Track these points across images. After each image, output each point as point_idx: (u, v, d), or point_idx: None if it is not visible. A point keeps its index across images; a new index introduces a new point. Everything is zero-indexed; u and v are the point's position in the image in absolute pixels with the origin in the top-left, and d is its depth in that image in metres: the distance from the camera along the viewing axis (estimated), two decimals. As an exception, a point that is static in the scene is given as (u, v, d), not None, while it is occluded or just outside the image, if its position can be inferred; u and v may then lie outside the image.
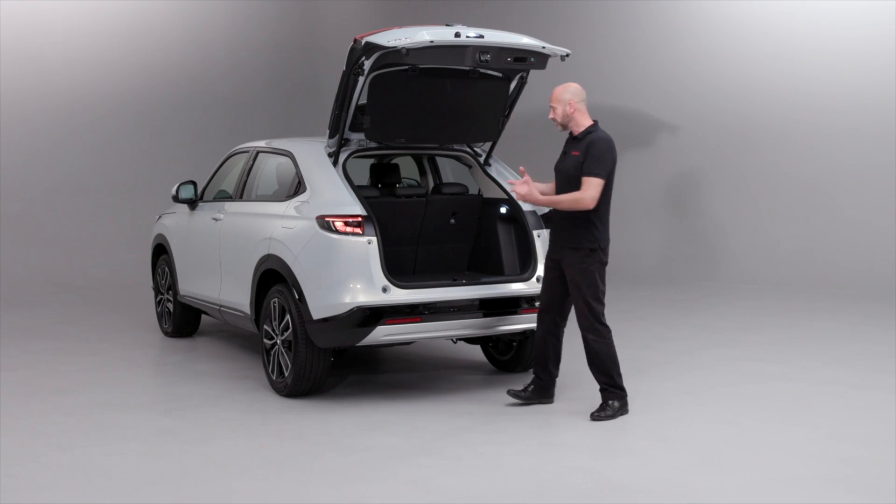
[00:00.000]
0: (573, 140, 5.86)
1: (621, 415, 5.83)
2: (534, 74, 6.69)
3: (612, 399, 5.84)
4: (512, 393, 6.14)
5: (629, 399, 5.95)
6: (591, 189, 5.65)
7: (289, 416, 5.97)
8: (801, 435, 5.47)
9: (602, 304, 5.83)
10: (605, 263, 5.83)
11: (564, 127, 5.88)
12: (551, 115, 5.86)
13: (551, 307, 6.00)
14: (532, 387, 6.13)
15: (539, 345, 6.07)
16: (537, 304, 6.38)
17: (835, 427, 5.62)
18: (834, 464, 4.96)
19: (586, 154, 5.69)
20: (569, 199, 5.69)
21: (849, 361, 7.27)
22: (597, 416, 5.79)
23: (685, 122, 12.40)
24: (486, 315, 6.29)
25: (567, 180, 5.81)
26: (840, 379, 6.74)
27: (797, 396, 6.32)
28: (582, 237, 5.74)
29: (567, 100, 5.81)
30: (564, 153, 5.89)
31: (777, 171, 11.66)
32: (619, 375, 5.88)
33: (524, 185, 5.85)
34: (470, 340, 7.07)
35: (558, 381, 6.19)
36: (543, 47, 6.18)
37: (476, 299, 6.27)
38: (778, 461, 5.00)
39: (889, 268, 10.54)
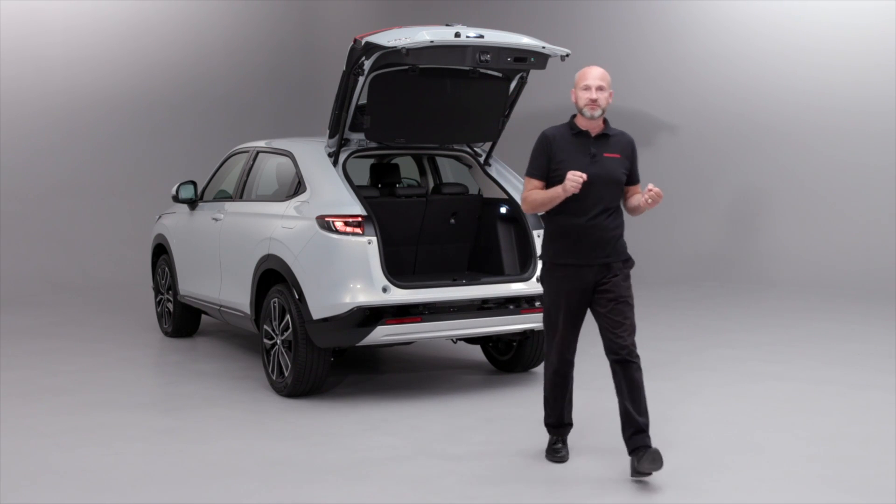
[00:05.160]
0: (598, 139, 4.83)
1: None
2: (534, 74, 6.69)
3: (648, 439, 4.74)
4: (554, 456, 5.06)
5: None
6: None
7: (289, 416, 5.97)
8: (800, 435, 5.47)
9: None
10: None
11: (589, 117, 4.79)
12: (594, 96, 4.75)
13: (573, 343, 4.98)
14: (561, 440, 5.12)
15: (569, 389, 5.06)
16: (537, 304, 6.37)
17: (835, 427, 5.62)
18: (834, 464, 4.96)
19: (632, 155, 4.90)
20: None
21: (849, 361, 7.27)
22: (651, 466, 4.64)
23: (685, 122, 12.40)
24: (485, 315, 6.28)
25: (611, 185, 4.80)
26: (840, 379, 6.74)
27: (797, 396, 6.32)
28: (625, 248, 4.90)
29: (611, 86, 4.86)
30: (593, 155, 4.78)
31: (777, 171, 11.66)
32: None
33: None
34: (470, 340, 7.07)
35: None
36: (543, 47, 6.18)
37: (476, 299, 6.27)
38: (777, 461, 5.00)
39: (889, 268, 10.54)
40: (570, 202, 4.74)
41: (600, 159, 4.79)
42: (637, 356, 4.78)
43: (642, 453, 4.65)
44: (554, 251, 4.88)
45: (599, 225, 4.77)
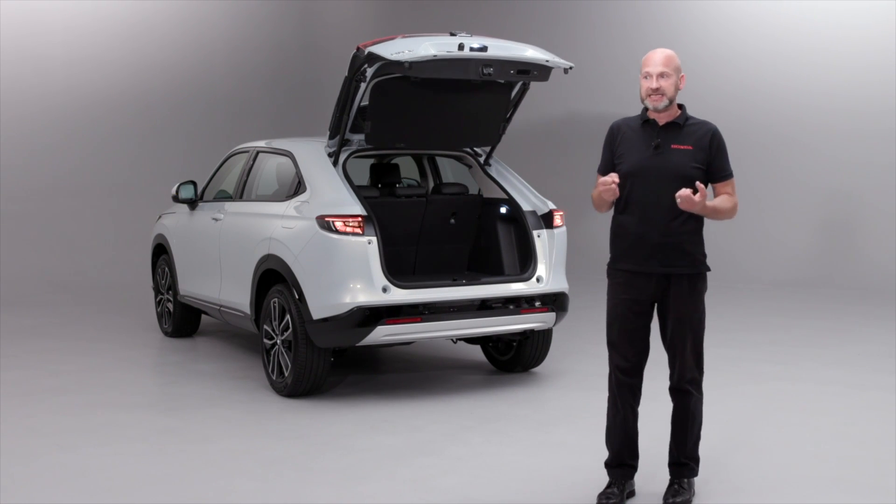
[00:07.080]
0: (665, 128, 4.29)
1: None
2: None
3: (690, 476, 4.46)
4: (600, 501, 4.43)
5: None
6: (735, 194, 4.36)
7: (289, 416, 5.97)
8: (801, 435, 5.47)
9: None
10: None
11: (653, 109, 4.27)
12: (655, 85, 4.20)
13: (640, 366, 4.46)
14: (618, 485, 4.48)
15: (631, 423, 4.47)
16: (537, 304, 6.38)
17: (835, 427, 5.62)
18: (834, 464, 4.96)
19: (710, 148, 4.29)
20: (731, 206, 4.31)
21: (849, 361, 7.28)
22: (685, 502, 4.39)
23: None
24: (485, 315, 6.28)
25: (676, 181, 4.16)
26: (840, 379, 6.74)
27: (797, 396, 6.32)
28: (699, 257, 4.29)
29: (680, 69, 4.28)
30: (656, 146, 4.24)
31: (777, 171, 11.66)
32: None
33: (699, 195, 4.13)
34: (470, 340, 7.07)
35: (554, 376, 6.18)
36: (547, 61, 6.16)
37: (476, 299, 6.27)
38: (778, 461, 5.00)
39: (889, 268, 10.54)
40: (628, 201, 4.24)
41: (665, 151, 4.21)
42: (696, 385, 4.36)
43: (672, 486, 4.42)
44: (613, 255, 4.36)
45: (660, 228, 4.19)
